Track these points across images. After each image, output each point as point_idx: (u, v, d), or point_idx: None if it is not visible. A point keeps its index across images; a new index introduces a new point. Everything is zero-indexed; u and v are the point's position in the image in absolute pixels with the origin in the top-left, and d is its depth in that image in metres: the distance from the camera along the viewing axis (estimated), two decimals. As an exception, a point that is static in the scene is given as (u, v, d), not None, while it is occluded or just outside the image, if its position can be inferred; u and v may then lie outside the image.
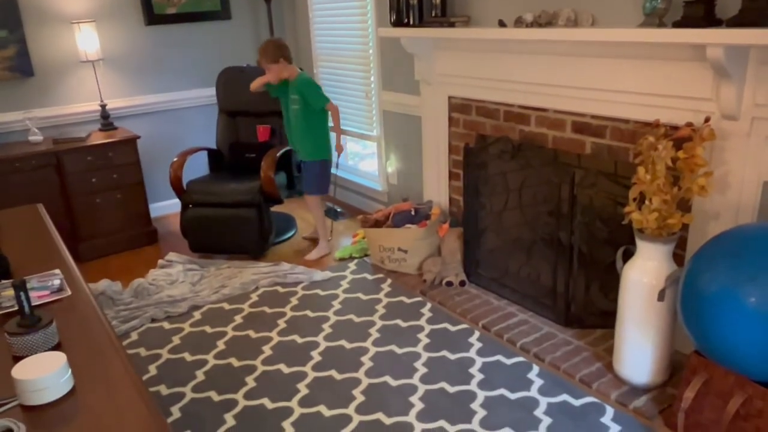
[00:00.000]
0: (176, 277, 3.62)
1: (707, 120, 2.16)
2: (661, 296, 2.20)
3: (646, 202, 2.21)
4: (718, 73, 2.12)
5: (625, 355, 2.41)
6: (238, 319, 3.17)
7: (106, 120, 4.26)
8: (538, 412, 2.33)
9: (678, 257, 2.39)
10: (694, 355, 2.09)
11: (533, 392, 2.44)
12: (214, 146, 4.36)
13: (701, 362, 2.05)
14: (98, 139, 4.04)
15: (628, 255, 2.38)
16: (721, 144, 2.23)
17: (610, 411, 2.31)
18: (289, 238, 4.23)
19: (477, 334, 2.89)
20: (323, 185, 3.90)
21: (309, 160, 3.79)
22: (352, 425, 2.32)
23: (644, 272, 2.27)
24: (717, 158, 2.25)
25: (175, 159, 3.99)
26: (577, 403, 2.37)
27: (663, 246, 2.23)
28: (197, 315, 3.23)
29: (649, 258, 2.26)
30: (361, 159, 5.18)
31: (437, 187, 3.74)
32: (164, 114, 4.65)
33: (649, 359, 2.34)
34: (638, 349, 2.35)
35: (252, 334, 3.02)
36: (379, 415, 2.36)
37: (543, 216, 3.02)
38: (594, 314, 2.82)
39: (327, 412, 2.40)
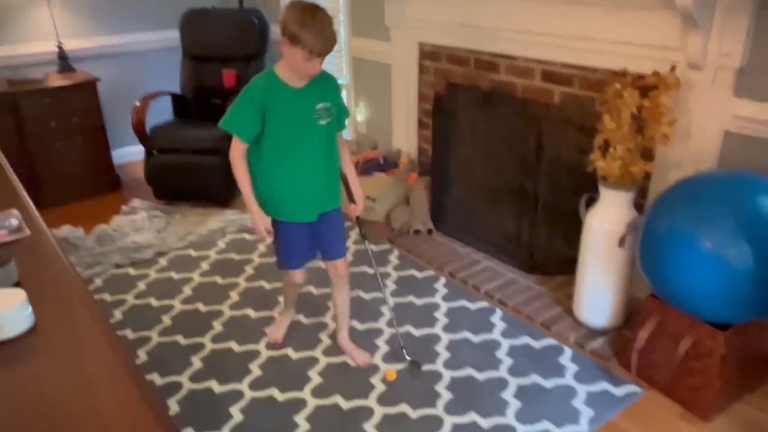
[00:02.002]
0: (141, 224, 3.56)
1: (673, 68, 2.18)
2: (621, 242, 2.26)
3: (611, 150, 2.24)
4: (686, 21, 2.13)
5: (584, 300, 2.48)
6: (205, 265, 3.15)
7: (63, 62, 4.09)
8: (500, 354, 2.40)
9: (640, 206, 2.45)
10: (650, 298, 2.17)
11: (495, 335, 2.51)
12: (178, 91, 4.23)
13: (656, 305, 2.13)
14: (56, 81, 3.89)
15: (590, 203, 2.43)
16: (686, 93, 2.25)
17: (568, 352, 2.39)
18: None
19: (443, 280, 2.94)
20: None
21: (336, 207, 2.25)
22: (320, 366, 2.36)
23: (606, 219, 2.32)
24: (681, 107, 2.28)
25: (137, 103, 3.87)
26: (537, 345, 2.45)
27: (625, 193, 2.28)
28: (163, 261, 3.20)
29: (612, 205, 2.31)
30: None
31: (406, 136, 3.73)
32: (125, 57, 4.48)
33: (607, 303, 2.42)
34: (597, 293, 2.42)
35: (219, 280, 3.01)
36: (345, 358, 2.40)
37: (510, 165, 3.04)
38: (556, 261, 2.89)
39: (294, 355, 2.43)
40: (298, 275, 2.32)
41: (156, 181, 3.83)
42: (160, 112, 4.17)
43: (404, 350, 2.36)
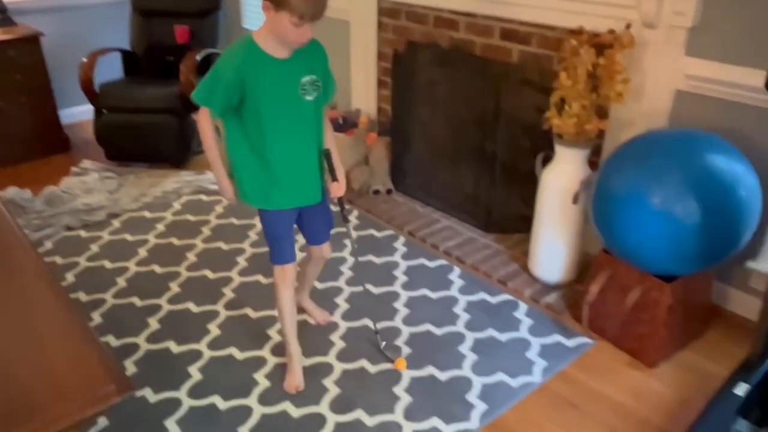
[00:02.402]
0: (92, 186, 3.46)
1: (628, 27, 2.20)
2: (575, 199, 2.31)
3: (566, 107, 2.27)
4: (642, -22, 2.15)
5: (539, 256, 2.54)
6: (161, 227, 3.09)
7: (3, 14, 3.86)
8: (458, 309, 2.45)
9: (594, 164, 2.49)
10: (602, 253, 2.23)
11: (453, 292, 2.56)
12: (128, 47, 4.06)
13: (607, 259, 2.20)
14: (-5, 35, 3.68)
15: (546, 161, 2.46)
16: (639, 52, 2.28)
17: (523, 307, 2.46)
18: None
19: (402, 239, 2.96)
20: None
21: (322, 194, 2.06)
22: (278, 326, 2.36)
23: (561, 177, 2.36)
24: (635, 66, 2.31)
25: (84, 60, 3.70)
26: (493, 300, 2.50)
27: (580, 151, 2.32)
28: (116, 223, 3.12)
29: (567, 162, 2.35)
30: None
31: (366, 96, 3.68)
32: (71, 10, 4.26)
33: (561, 259, 2.49)
34: (552, 249, 2.48)
35: (175, 241, 2.96)
36: (305, 317, 2.41)
37: (469, 125, 3.05)
38: (513, 220, 2.94)
39: (253, 314, 2.43)
40: (291, 270, 2.02)
41: (107, 141, 3.71)
42: (111, 70, 4.00)
43: (378, 334, 2.27)
